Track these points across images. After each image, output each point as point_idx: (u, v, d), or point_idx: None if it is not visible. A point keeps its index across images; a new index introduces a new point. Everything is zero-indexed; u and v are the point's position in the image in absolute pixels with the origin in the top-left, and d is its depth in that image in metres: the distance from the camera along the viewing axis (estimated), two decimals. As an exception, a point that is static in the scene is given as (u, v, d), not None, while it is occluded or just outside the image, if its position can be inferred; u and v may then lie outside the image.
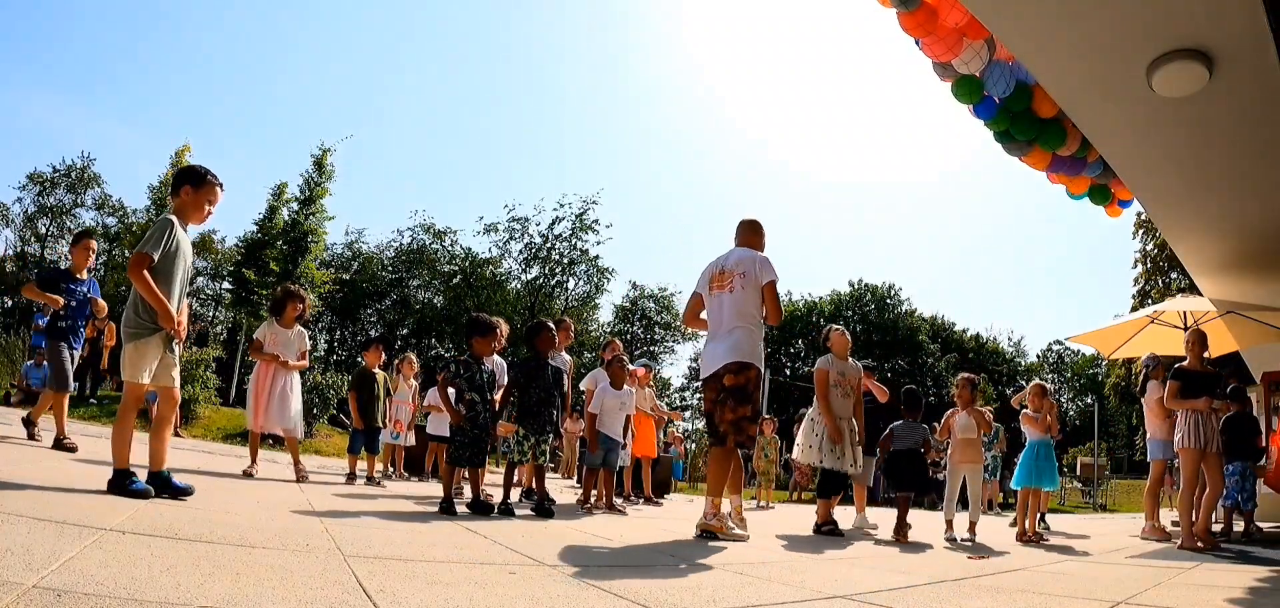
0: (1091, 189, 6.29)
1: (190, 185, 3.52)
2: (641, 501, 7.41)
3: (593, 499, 6.38)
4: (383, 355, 7.10)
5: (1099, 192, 6.34)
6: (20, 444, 5.45)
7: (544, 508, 4.77)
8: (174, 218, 3.47)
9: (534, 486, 5.12)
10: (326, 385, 12.39)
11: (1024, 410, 5.94)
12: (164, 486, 3.40)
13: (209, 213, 3.60)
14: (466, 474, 4.82)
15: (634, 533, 4.37)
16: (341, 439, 10.95)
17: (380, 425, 6.62)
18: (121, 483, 3.26)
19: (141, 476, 3.36)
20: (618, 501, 6.22)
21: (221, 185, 3.63)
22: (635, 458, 7.25)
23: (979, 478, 5.75)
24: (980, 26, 4.88)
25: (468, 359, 4.76)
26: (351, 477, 6.32)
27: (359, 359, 6.60)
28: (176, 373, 3.56)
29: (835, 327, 5.55)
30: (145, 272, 3.30)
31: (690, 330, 5.22)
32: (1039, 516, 6.51)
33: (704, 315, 4.56)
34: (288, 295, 6.02)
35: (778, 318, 4.43)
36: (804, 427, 5.34)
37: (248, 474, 5.39)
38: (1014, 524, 6.28)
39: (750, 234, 4.64)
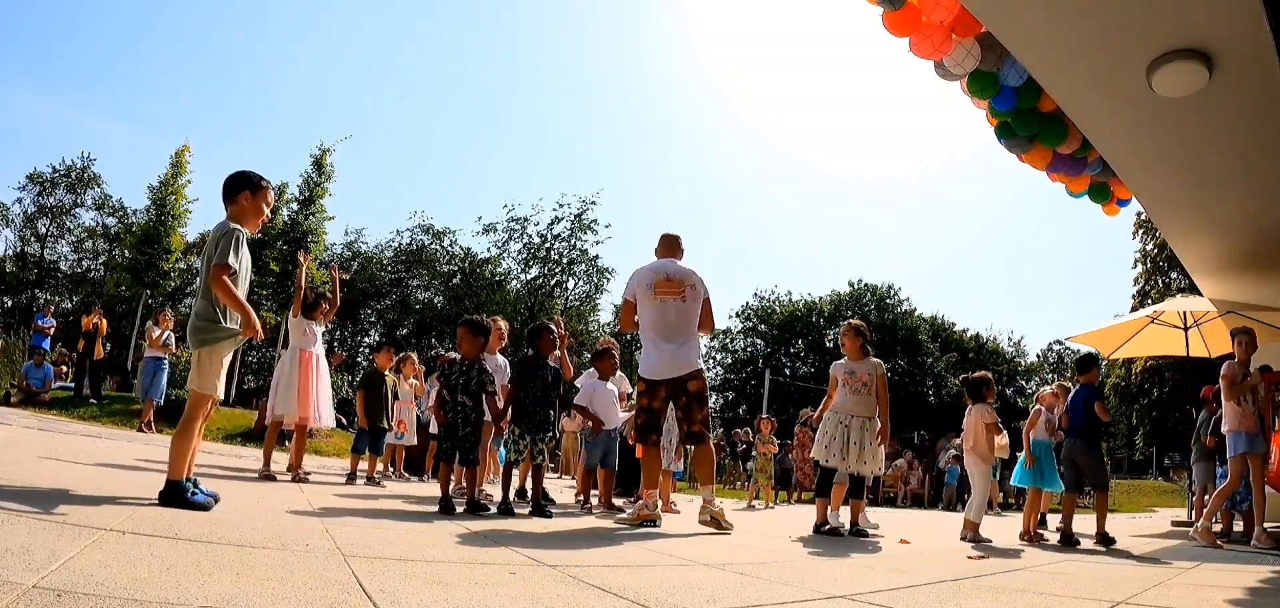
0: (1091, 187, 6.30)
1: (249, 191, 3.49)
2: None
3: (594, 499, 6.38)
4: (393, 358, 7.17)
5: (1098, 190, 6.35)
6: (20, 446, 5.46)
7: (542, 508, 4.77)
8: (238, 227, 3.41)
9: (530, 485, 5.12)
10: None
11: (1037, 409, 5.95)
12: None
13: (266, 218, 3.62)
14: (464, 474, 4.83)
15: (633, 532, 4.37)
16: (341, 439, 10.95)
17: (385, 426, 6.66)
18: (177, 494, 3.11)
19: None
20: (618, 501, 6.22)
21: (272, 191, 3.69)
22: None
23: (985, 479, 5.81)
24: (968, 24, 4.88)
25: (458, 360, 4.76)
26: (352, 477, 6.33)
27: (362, 362, 6.65)
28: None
29: (844, 326, 5.49)
30: (227, 279, 3.27)
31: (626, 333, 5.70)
32: (1041, 516, 6.51)
33: (637, 319, 4.90)
34: (320, 298, 6.10)
35: (712, 328, 5.02)
36: (821, 426, 5.43)
37: (269, 477, 5.39)
38: (1059, 525, 6.26)
39: (676, 248, 5.05)
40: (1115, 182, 6.09)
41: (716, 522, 4.65)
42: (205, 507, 3.12)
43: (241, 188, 3.50)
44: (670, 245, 5.06)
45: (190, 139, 22.11)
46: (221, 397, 3.53)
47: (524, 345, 5.31)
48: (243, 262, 3.42)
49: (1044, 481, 5.78)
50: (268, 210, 3.62)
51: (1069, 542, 5.39)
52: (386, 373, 6.83)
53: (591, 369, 6.65)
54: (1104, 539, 5.43)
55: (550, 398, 4.96)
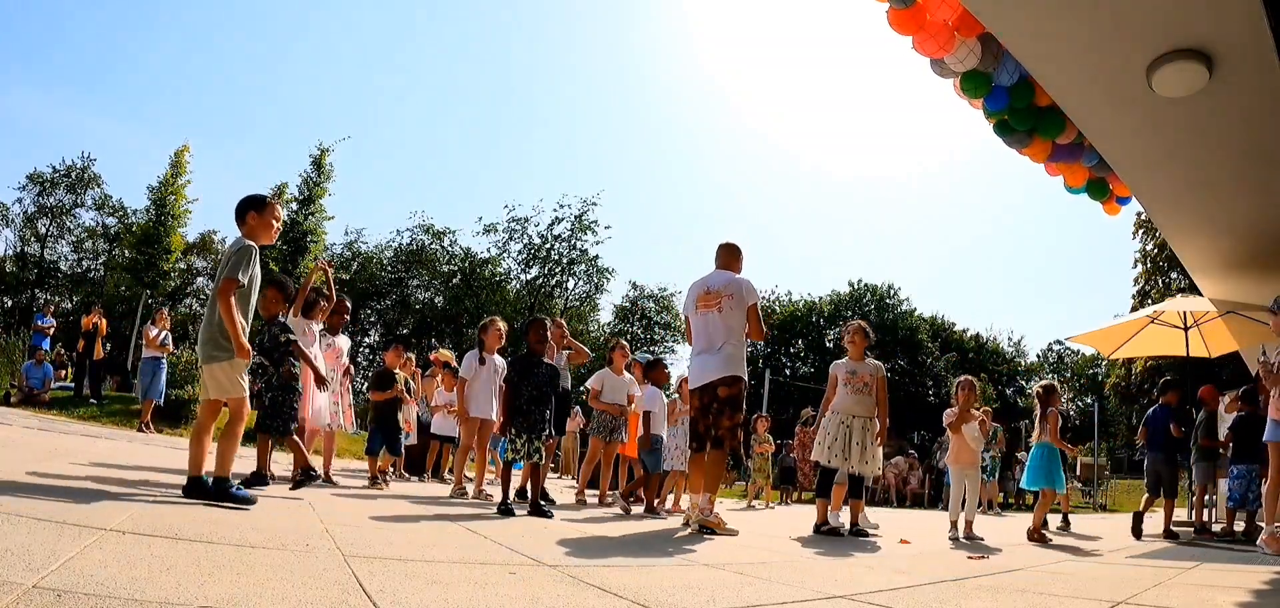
0: (1089, 183, 6.27)
1: (254, 211, 3.74)
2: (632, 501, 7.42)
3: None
4: (403, 356, 7.16)
5: (1097, 186, 6.32)
6: (20, 446, 5.45)
7: (541, 508, 4.76)
8: (251, 243, 3.64)
9: (530, 486, 5.11)
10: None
11: (1053, 412, 6.02)
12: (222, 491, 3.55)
13: (277, 229, 3.83)
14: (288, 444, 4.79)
15: (634, 532, 4.37)
16: (341, 439, 10.93)
17: (398, 425, 6.66)
18: (223, 489, 3.41)
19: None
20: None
21: (279, 201, 3.85)
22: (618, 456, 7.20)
23: (977, 479, 5.91)
24: (971, 23, 4.88)
25: (261, 326, 4.74)
26: (374, 479, 6.28)
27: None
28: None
29: (848, 326, 5.52)
30: (232, 298, 3.46)
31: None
32: (1045, 517, 6.56)
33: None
34: (319, 295, 6.09)
35: (761, 335, 4.82)
36: (821, 427, 5.45)
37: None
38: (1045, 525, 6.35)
39: (730, 257, 5.02)
40: (1113, 177, 6.09)
41: (706, 527, 4.48)
42: (248, 501, 3.43)
43: (247, 210, 3.75)
44: (721, 256, 5.06)
45: (190, 139, 22.16)
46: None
47: (522, 344, 5.31)
48: (253, 277, 3.63)
49: (1050, 481, 5.85)
50: (277, 224, 3.83)
51: (1172, 536, 6.43)
52: (397, 371, 6.81)
53: (606, 371, 6.72)
54: (1169, 535, 6.52)
55: (547, 397, 4.95)
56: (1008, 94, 5.29)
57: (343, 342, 6.36)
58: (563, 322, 6.92)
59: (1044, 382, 6.89)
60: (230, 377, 3.56)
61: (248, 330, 3.65)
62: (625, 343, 7.20)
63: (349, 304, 6.59)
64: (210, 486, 3.44)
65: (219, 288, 3.49)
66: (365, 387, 15.76)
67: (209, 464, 3.54)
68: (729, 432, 4.63)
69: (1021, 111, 5.38)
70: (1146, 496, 6.87)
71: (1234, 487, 6.67)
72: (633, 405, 6.61)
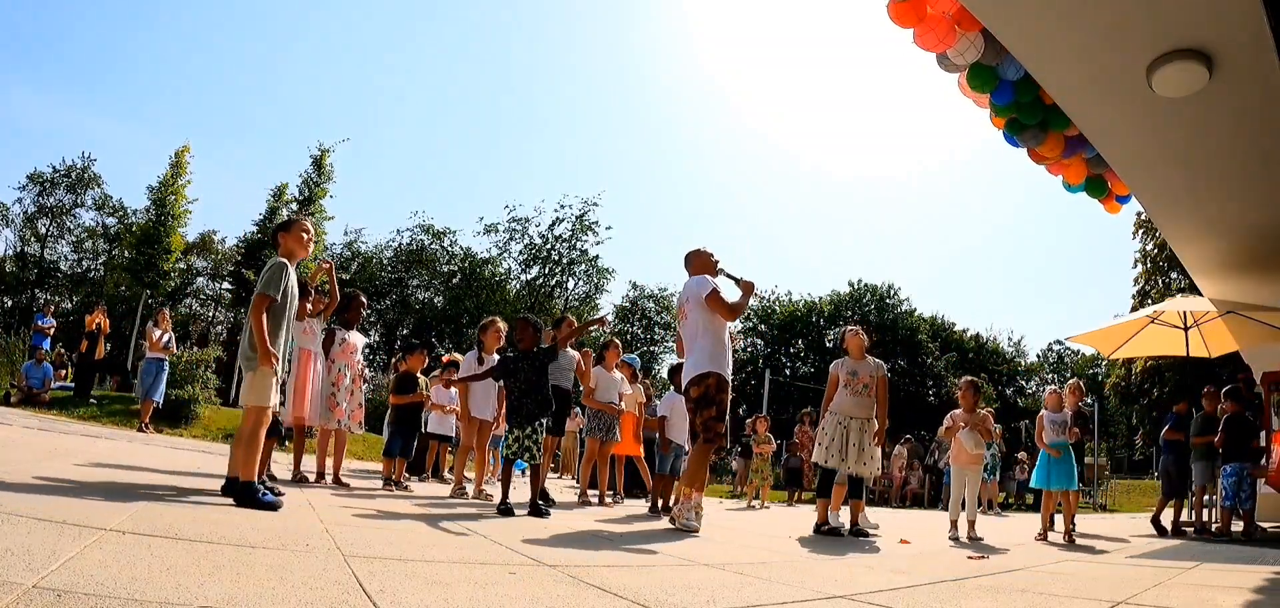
0: (1088, 181, 6.26)
1: (282, 232, 4.06)
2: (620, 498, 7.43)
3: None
4: (426, 359, 7.18)
5: (1096, 184, 6.31)
6: (20, 446, 5.45)
7: (539, 508, 4.76)
8: (285, 261, 3.88)
9: (530, 486, 5.12)
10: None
11: (1040, 415, 6.06)
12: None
13: (308, 241, 4.09)
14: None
15: (634, 532, 4.37)
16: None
17: (418, 431, 6.68)
18: (251, 494, 3.49)
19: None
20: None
21: (305, 216, 4.00)
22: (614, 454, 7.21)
23: (978, 479, 5.94)
24: (972, 17, 4.87)
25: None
26: (387, 481, 6.21)
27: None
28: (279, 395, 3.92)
29: (849, 328, 5.56)
30: (264, 313, 3.66)
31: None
32: (1052, 516, 6.56)
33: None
34: (317, 292, 6.08)
35: (730, 314, 4.96)
36: (820, 428, 5.47)
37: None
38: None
39: (689, 264, 5.24)
40: (1112, 175, 6.08)
41: (673, 520, 4.74)
42: (274, 507, 3.46)
43: (277, 233, 4.10)
44: (686, 264, 5.25)
45: (190, 139, 22.13)
46: (275, 404, 3.86)
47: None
48: (289, 290, 3.84)
49: (1053, 481, 5.87)
50: (306, 236, 4.06)
51: (1164, 532, 7.05)
52: (418, 374, 6.82)
53: (598, 368, 6.74)
54: (1178, 531, 7.15)
55: (537, 390, 4.95)
56: (1013, 89, 5.28)
57: (356, 338, 6.35)
58: (574, 320, 6.99)
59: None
60: (254, 385, 3.68)
61: (287, 342, 3.84)
62: (618, 342, 7.27)
63: (364, 299, 6.62)
64: (240, 489, 3.53)
65: (252, 304, 3.70)
66: (370, 390, 15.75)
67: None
68: (702, 426, 4.87)
69: (1029, 105, 5.36)
70: (1160, 497, 7.46)
71: (1227, 486, 6.68)
72: (623, 404, 6.66)
